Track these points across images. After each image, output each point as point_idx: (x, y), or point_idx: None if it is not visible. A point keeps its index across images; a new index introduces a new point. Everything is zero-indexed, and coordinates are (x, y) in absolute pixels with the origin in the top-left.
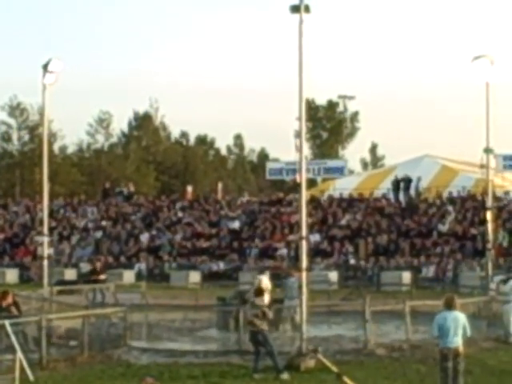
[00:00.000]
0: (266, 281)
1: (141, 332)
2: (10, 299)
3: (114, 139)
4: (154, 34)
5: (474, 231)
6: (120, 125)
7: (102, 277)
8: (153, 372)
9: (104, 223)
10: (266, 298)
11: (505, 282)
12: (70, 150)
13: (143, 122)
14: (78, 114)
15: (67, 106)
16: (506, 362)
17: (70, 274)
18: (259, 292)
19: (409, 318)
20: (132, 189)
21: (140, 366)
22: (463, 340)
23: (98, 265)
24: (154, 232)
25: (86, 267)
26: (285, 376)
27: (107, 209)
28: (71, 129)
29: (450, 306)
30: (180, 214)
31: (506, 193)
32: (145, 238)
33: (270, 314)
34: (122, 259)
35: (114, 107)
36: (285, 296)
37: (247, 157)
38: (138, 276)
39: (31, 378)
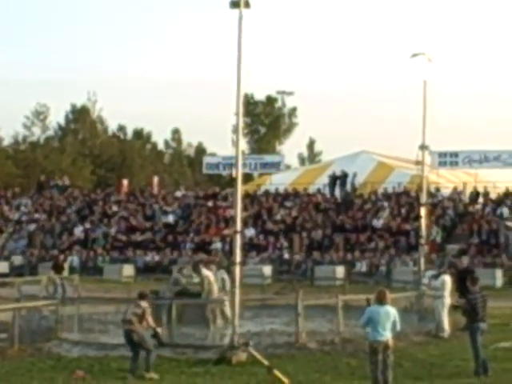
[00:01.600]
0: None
1: (72, 325)
2: None
3: (51, 132)
4: (92, 27)
5: (407, 227)
6: (57, 118)
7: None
8: (83, 365)
9: (38, 216)
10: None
11: (436, 277)
12: (6, 142)
13: (80, 115)
14: (14, 106)
15: (3, 98)
16: (435, 356)
17: (3, 266)
18: (142, 296)
19: (341, 312)
20: (67, 182)
21: (71, 358)
22: (393, 334)
23: (61, 257)
24: (88, 225)
25: (17, 260)
26: (152, 375)
27: (41, 202)
28: (7, 121)
29: (381, 300)
30: (115, 208)
31: (437, 189)
32: (79, 231)
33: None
34: (55, 252)
35: (52, 100)
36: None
37: (184, 151)
38: (71, 269)
39: None
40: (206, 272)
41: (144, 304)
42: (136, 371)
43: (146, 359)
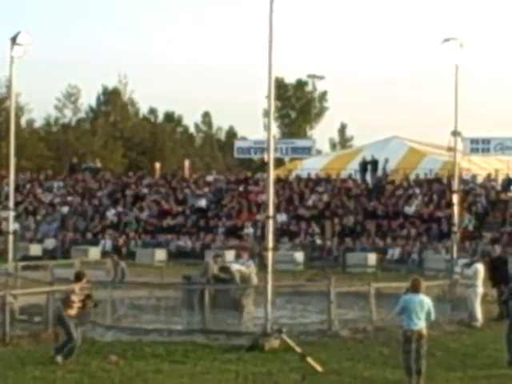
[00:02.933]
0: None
1: (105, 309)
2: None
3: (82, 114)
4: (124, 9)
5: (440, 214)
6: (88, 100)
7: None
8: (117, 350)
9: (70, 199)
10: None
11: (469, 265)
12: (38, 124)
13: (111, 98)
14: (46, 88)
15: (35, 80)
16: (468, 345)
17: (35, 249)
18: (77, 277)
19: (373, 299)
20: (99, 164)
21: (104, 343)
22: (427, 323)
23: (121, 241)
24: (120, 209)
25: (50, 243)
26: (58, 359)
27: (74, 184)
28: (39, 103)
29: (416, 288)
30: (147, 191)
31: (473, 176)
32: (111, 214)
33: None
34: (88, 235)
35: (83, 82)
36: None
37: (215, 135)
38: (104, 253)
39: None
40: (234, 267)
41: (74, 286)
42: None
43: (62, 345)
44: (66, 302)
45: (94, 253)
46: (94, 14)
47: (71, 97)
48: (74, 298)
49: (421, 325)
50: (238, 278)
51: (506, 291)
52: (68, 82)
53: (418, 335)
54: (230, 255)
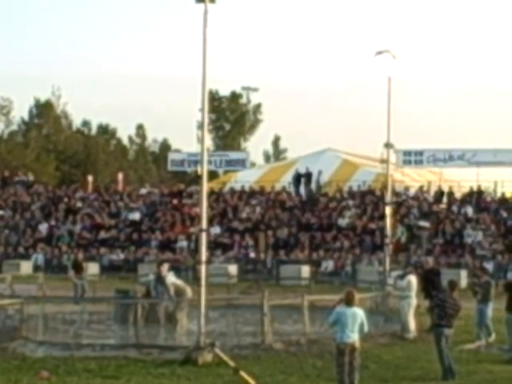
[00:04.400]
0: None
1: (37, 324)
2: None
3: (14, 127)
4: (56, 20)
5: (373, 226)
6: (20, 112)
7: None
8: (48, 365)
9: (2, 212)
10: None
11: (402, 277)
12: None
13: (44, 110)
14: None
15: None
16: (401, 357)
17: None
18: None
19: (307, 312)
20: (31, 178)
21: (36, 359)
22: (360, 336)
23: (80, 256)
24: (52, 222)
25: None
26: None
27: (6, 198)
28: None
29: (349, 302)
30: (80, 205)
31: (406, 188)
32: (43, 228)
33: None
34: (20, 249)
35: (15, 94)
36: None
37: (149, 147)
38: (36, 267)
39: None
40: (170, 279)
41: None
42: None
43: None
44: None
45: (26, 267)
46: (27, 24)
47: (3, 109)
48: None
49: (354, 337)
50: (172, 291)
51: (433, 301)
52: (0, 95)
53: (351, 348)
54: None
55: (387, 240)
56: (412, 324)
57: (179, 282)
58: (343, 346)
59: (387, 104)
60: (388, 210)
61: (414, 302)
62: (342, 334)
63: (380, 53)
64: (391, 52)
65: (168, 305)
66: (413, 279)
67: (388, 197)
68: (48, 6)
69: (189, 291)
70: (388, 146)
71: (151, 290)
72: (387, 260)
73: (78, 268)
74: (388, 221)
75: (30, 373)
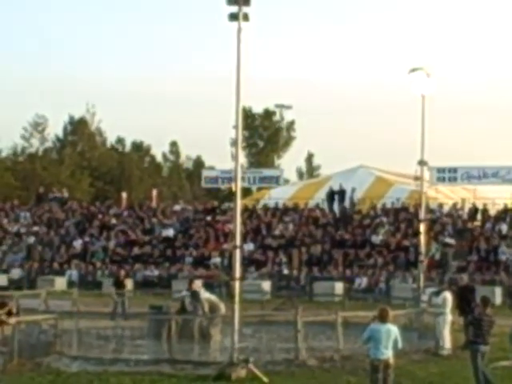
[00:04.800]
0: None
1: (71, 339)
2: None
3: (49, 144)
4: (92, 39)
5: (406, 243)
6: (55, 129)
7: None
8: (83, 380)
9: (37, 229)
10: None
11: (437, 294)
12: (4, 153)
13: (79, 127)
14: (12, 118)
15: (2, 109)
16: (435, 374)
17: (1, 279)
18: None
19: (340, 328)
20: (66, 194)
21: (70, 373)
22: (394, 352)
23: (122, 273)
24: (87, 238)
25: (16, 273)
26: None
27: (40, 214)
28: (5, 132)
29: (383, 318)
30: (114, 221)
31: (439, 205)
32: (78, 244)
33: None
34: (55, 265)
35: (50, 111)
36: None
37: (183, 164)
38: (70, 283)
39: None
40: (204, 295)
41: None
42: None
43: None
44: None
45: (60, 283)
46: (62, 43)
47: (38, 126)
48: None
49: (388, 354)
50: (206, 306)
51: (468, 318)
52: (35, 112)
53: (385, 364)
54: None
55: (421, 257)
56: (448, 340)
57: (213, 298)
58: (377, 363)
59: (421, 121)
60: (422, 227)
61: (449, 318)
62: (375, 351)
63: (414, 70)
64: (425, 69)
65: (202, 320)
66: (448, 296)
67: (422, 214)
68: (84, 24)
69: (222, 307)
70: (422, 163)
71: (187, 306)
72: (421, 277)
73: (119, 285)
74: (422, 238)
75: None
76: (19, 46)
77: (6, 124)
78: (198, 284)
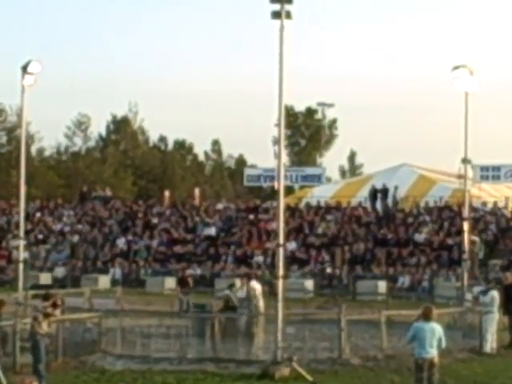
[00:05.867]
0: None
1: (115, 338)
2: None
3: (92, 143)
4: (134, 38)
5: (450, 241)
6: (98, 128)
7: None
8: (127, 378)
9: (80, 227)
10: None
11: (485, 292)
12: (48, 152)
13: (121, 126)
14: (56, 117)
15: (46, 108)
16: (479, 373)
17: (45, 278)
18: (46, 297)
19: (384, 327)
20: (109, 193)
21: (114, 372)
22: (439, 351)
23: (187, 272)
24: (130, 237)
25: (60, 271)
26: None
27: (84, 213)
28: (49, 131)
29: (427, 317)
30: (157, 219)
31: (483, 203)
32: (121, 242)
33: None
34: (98, 264)
35: (93, 110)
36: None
37: (225, 163)
38: (114, 281)
39: (4, 382)
40: (253, 285)
41: (43, 306)
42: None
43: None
44: (43, 319)
45: (104, 281)
46: (104, 42)
47: (81, 125)
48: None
49: (433, 353)
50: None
51: None
52: (78, 111)
53: (430, 363)
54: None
55: (465, 255)
56: (494, 339)
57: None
58: (422, 362)
59: (464, 119)
60: (466, 226)
61: (496, 317)
62: (420, 350)
63: (457, 68)
64: (468, 67)
65: (245, 319)
66: (495, 294)
67: (466, 212)
68: (124, 23)
69: (261, 304)
70: (465, 161)
71: (235, 302)
72: (465, 275)
73: (184, 284)
74: (466, 236)
75: None
76: (63, 45)
77: (50, 123)
78: (239, 282)
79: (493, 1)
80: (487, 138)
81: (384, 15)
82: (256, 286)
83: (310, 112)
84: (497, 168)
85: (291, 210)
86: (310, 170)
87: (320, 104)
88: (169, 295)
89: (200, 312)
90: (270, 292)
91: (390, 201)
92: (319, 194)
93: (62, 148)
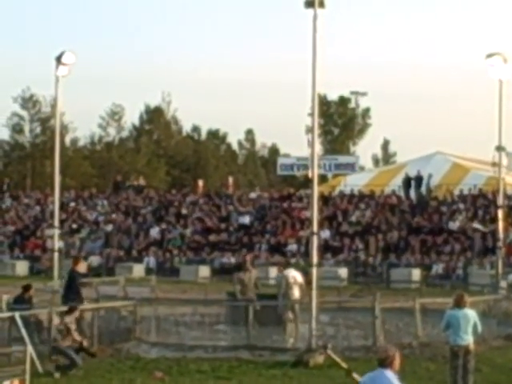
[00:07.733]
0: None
1: (150, 326)
2: (32, 292)
3: (126, 132)
4: (167, 27)
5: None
6: (131, 118)
7: None
8: (162, 366)
9: (114, 216)
10: None
11: None
12: (82, 142)
13: (155, 116)
14: (90, 107)
15: (79, 99)
16: None
17: (80, 266)
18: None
19: (418, 315)
20: (143, 182)
21: (149, 359)
22: (474, 337)
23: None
24: (164, 226)
25: (95, 260)
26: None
27: (118, 202)
28: (83, 121)
29: (459, 303)
30: (190, 209)
31: None
32: (155, 231)
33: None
34: (133, 253)
35: (126, 100)
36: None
37: (258, 152)
38: (148, 270)
39: (40, 369)
40: (288, 272)
41: (67, 319)
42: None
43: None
44: (67, 333)
45: (139, 270)
46: (138, 31)
47: (115, 115)
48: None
49: (468, 340)
50: (285, 283)
51: None
52: (112, 101)
53: (465, 350)
54: (273, 272)
55: (499, 243)
56: None
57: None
58: (457, 349)
59: (498, 106)
60: (500, 214)
61: None
62: (455, 337)
63: (491, 55)
64: (502, 54)
65: (280, 307)
66: None
67: (500, 200)
68: (160, 13)
69: (296, 292)
70: (500, 148)
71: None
72: (500, 263)
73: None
74: (500, 224)
75: (143, 373)
76: (95, 36)
77: (84, 113)
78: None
79: None
80: None
81: (418, 3)
82: (292, 273)
83: (343, 101)
84: None
85: (325, 199)
86: (343, 159)
87: (353, 93)
88: (203, 283)
89: (234, 300)
90: (304, 280)
91: (423, 189)
92: (353, 183)
93: (96, 138)
